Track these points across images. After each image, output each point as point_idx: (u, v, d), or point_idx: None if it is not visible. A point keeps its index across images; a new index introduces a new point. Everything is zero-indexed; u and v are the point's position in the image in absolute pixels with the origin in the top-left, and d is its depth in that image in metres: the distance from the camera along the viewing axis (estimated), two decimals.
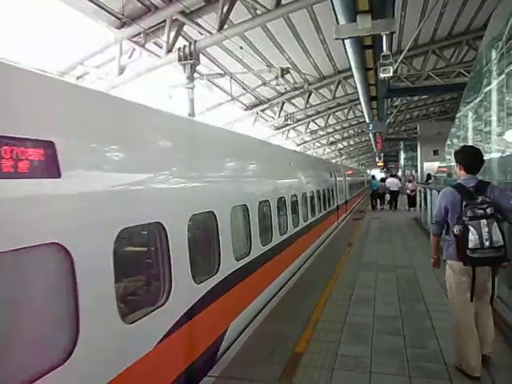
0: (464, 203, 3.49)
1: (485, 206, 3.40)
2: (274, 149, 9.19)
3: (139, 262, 3.56)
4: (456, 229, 3.49)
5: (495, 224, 3.35)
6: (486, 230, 3.33)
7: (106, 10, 11.12)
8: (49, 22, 11.97)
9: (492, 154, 10.75)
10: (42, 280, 2.37)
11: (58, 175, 2.38)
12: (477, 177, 3.71)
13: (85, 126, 2.80)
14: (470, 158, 3.80)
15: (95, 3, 10.65)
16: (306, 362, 4.05)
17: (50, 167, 2.34)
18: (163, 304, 3.29)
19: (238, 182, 5.63)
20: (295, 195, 8.37)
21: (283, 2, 11.31)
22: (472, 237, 3.35)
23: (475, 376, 3.57)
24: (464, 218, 3.43)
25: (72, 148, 2.57)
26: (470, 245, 3.36)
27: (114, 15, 11.48)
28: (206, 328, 4.04)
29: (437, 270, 4.34)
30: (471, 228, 3.37)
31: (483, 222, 3.35)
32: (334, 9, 8.14)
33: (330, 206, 13.13)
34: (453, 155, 4.36)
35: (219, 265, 4.37)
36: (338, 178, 16.04)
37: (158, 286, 3.37)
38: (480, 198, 3.45)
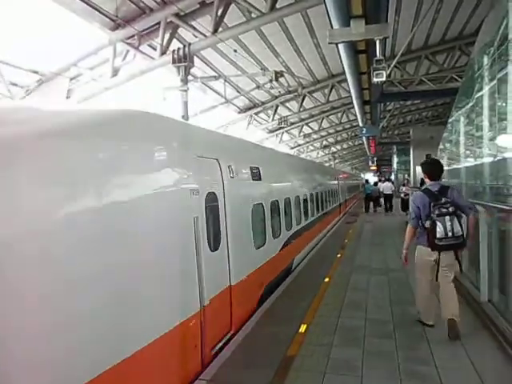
0: (432, 204, 4.45)
1: (447, 205, 4.39)
2: (320, 165, 18.87)
3: (276, 215, 7.36)
4: (427, 223, 4.48)
5: (455, 219, 4.37)
6: (449, 223, 4.33)
7: (99, 12, 11.07)
8: (42, 22, 11.89)
9: (484, 159, 10.80)
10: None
11: (260, 179, 6.43)
12: (439, 182, 4.68)
13: (267, 162, 7.43)
14: (432, 168, 4.79)
15: (89, 4, 10.61)
16: (297, 365, 4.05)
17: (259, 176, 6.39)
18: (279, 235, 7.41)
19: (305, 183, 10.98)
20: (318, 192, 12.64)
21: (278, 6, 11.36)
22: (439, 229, 4.35)
23: (429, 324, 4.81)
24: (432, 215, 4.41)
25: (264, 169, 6.64)
26: (438, 235, 4.37)
27: (107, 17, 11.44)
28: (289, 253, 8.09)
29: None
30: (438, 223, 4.36)
31: (447, 217, 4.35)
32: (327, 13, 8.16)
33: (336, 202, 17.90)
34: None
35: (291, 224, 8.45)
36: (340, 182, 19.92)
37: (278, 228, 7.43)
38: (443, 199, 4.45)
